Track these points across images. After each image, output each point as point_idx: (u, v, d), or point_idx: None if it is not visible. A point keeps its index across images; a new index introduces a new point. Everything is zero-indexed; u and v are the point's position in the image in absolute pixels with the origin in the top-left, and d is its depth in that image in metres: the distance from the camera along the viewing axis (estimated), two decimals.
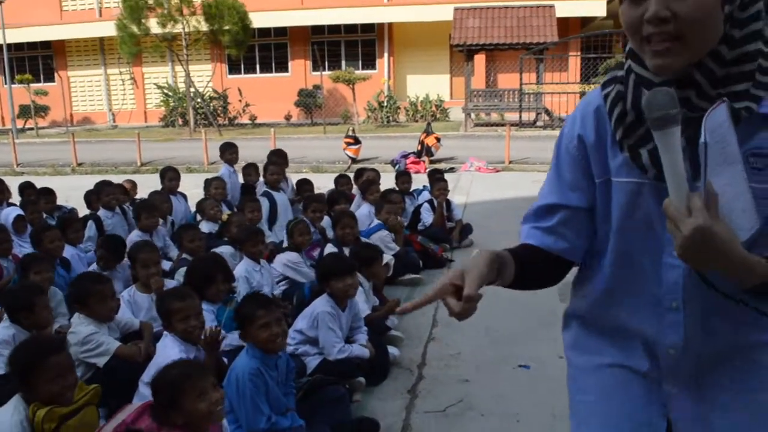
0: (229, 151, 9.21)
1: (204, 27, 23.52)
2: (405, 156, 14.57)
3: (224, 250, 5.88)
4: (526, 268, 1.58)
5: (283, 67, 29.58)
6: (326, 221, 6.96)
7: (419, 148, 14.83)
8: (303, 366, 4.38)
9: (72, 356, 3.49)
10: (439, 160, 14.97)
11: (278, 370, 3.75)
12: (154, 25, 23.22)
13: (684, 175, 1.25)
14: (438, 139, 14.94)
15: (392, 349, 4.81)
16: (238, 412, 3.54)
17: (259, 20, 25.31)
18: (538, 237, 1.64)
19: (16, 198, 8.55)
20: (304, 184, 8.44)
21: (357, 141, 15.18)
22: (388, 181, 9.04)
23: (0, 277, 5.75)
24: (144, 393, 3.61)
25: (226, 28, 23.42)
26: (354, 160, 15.00)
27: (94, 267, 5.65)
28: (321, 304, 4.53)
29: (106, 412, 3.54)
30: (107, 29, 26.48)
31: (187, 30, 23.42)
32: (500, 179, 13.09)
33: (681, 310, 1.50)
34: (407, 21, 27.31)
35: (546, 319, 5.18)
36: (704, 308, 1.48)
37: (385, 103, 25.67)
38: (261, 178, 8.52)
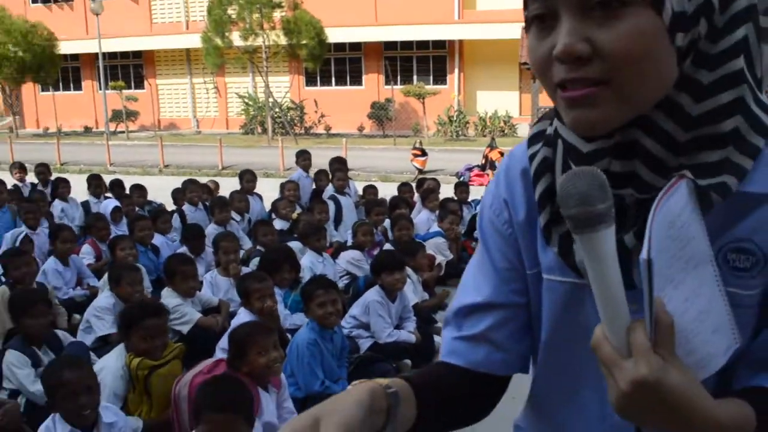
0: (302, 158, 10.04)
1: (283, 41, 24.52)
2: (470, 169, 15.10)
3: (293, 245, 6.54)
4: (439, 400, 1.08)
5: (357, 80, 30.38)
6: (387, 223, 7.59)
7: (483, 161, 15.34)
8: (356, 346, 4.99)
9: None
10: None
11: (333, 344, 4.38)
12: (236, 38, 24.32)
13: (622, 295, 0.80)
14: (502, 154, 15.41)
15: (438, 338, 5.35)
16: (297, 376, 4.17)
17: (334, 35, 26.15)
18: (463, 352, 1.14)
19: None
20: (369, 189, 9.13)
21: (424, 153, 15.76)
22: (448, 191, 9.60)
23: (100, 259, 6.60)
24: (219, 357, 4.28)
25: (304, 42, 24.37)
26: (421, 171, 15.55)
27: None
28: (372, 294, 5.14)
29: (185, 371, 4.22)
30: (193, 41, 27.78)
31: (267, 43, 24.43)
32: None
33: None
34: (477, 39, 27.78)
35: None
36: None
37: (455, 118, 26.17)
38: (330, 184, 9.23)
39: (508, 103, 27.68)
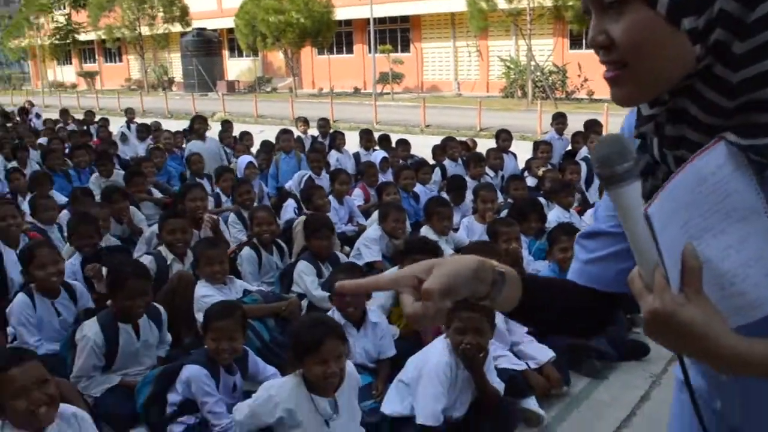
0: (557, 121, 10.37)
1: (548, 2, 24.38)
2: None
3: (540, 200, 6.92)
4: (548, 301, 1.28)
5: None
6: None
7: None
8: None
9: None
10: None
11: None
12: (501, 1, 24.61)
13: (648, 241, 0.93)
14: None
15: None
16: None
17: None
18: (582, 271, 1.33)
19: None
20: None
21: None
22: None
23: (368, 201, 7.51)
24: None
25: (570, 3, 24.02)
26: None
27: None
28: None
29: None
30: (458, 5, 28.46)
31: (531, 5, 24.45)
32: None
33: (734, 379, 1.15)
34: None
35: None
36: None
37: None
38: (584, 146, 9.38)
39: None
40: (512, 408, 3.67)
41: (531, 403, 3.83)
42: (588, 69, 26.99)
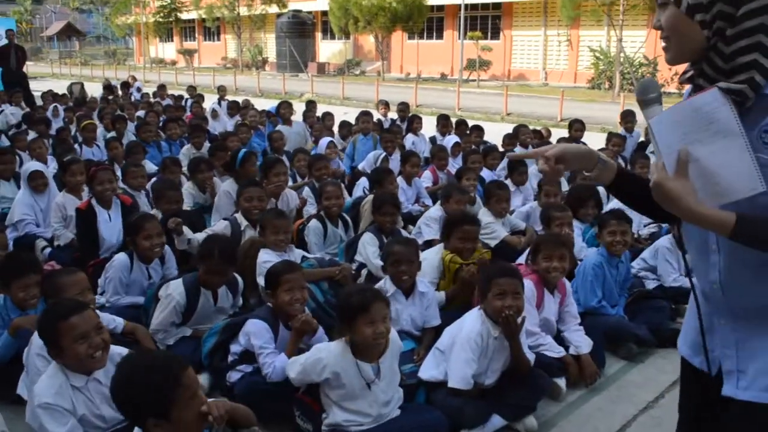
0: (626, 120, 10.57)
1: None
2: None
3: (602, 189, 7.03)
4: (632, 187, 1.95)
5: None
6: None
7: None
8: (641, 283, 5.41)
9: None
10: None
11: (618, 272, 4.90)
12: None
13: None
14: None
15: None
16: (579, 292, 4.78)
17: None
18: None
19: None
20: None
21: None
22: None
23: (436, 183, 7.81)
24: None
25: None
26: None
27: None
28: (663, 240, 5.50)
29: None
30: None
31: None
32: None
33: (717, 251, 1.73)
34: None
35: None
36: (734, 252, 1.68)
37: None
38: None
39: None
40: (541, 380, 3.88)
41: (559, 380, 4.06)
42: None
